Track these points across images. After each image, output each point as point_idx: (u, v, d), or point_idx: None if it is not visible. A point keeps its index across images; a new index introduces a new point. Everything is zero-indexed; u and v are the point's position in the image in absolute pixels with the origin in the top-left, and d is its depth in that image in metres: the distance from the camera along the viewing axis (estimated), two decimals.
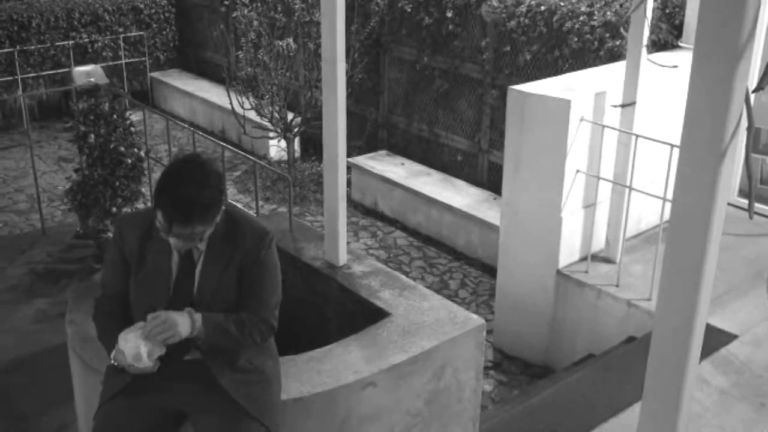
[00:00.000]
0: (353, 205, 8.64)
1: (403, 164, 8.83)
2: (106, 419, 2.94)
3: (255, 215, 5.63)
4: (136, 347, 2.79)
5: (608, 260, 5.82)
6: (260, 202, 7.65)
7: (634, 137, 5.39)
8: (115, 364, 2.88)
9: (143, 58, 11.94)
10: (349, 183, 8.61)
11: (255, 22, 8.91)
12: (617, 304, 5.46)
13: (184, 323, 2.78)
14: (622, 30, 6.60)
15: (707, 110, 2.11)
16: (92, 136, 6.27)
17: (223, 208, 2.87)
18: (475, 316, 3.84)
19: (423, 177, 8.49)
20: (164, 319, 2.76)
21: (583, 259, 5.79)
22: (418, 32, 8.65)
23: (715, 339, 4.72)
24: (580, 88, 5.63)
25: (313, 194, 8.81)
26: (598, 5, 7.06)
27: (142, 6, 11.82)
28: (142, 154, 6.59)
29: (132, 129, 6.53)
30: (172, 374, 2.92)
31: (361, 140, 9.48)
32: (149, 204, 6.66)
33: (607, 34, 6.83)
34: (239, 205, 7.50)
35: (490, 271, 7.05)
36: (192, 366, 2.88)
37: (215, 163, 2.93)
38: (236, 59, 9.44)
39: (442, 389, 3.66)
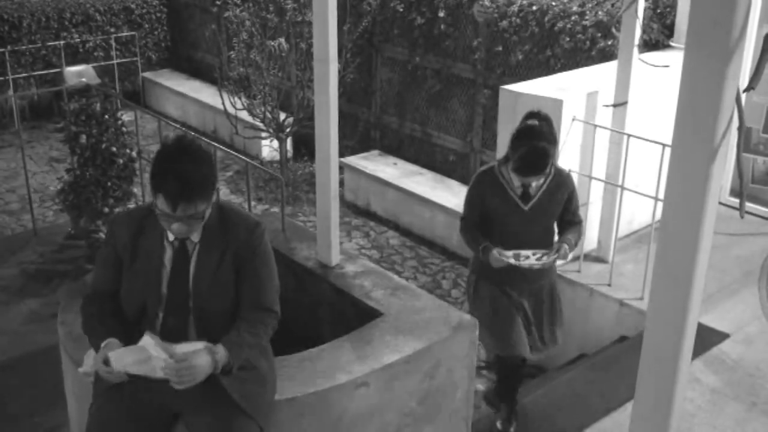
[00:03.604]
0: (346, 205, 8.64)
1: (395, 164, 8.84)
2: (100, 415, 2.94)
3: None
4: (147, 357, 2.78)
5: (600, 260, 5.83)
6: (252, 203, 7.64)
7: (625, 137, 5.40)
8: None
9: (135, 58, 11.91)
10: (341, 183, 8.60)
11: (247, 22, 8.90)
12: (609, 304, 5.47)
13: (203, 367, 2.77)
14: (613, 30, 6.62)
15: (699, 109, 2.11)
16: (84, 136, 6.26)
17: (217, 187, 2.91)
18: (467, 316, 3.84)
19: (415, 177, 8.49)
20: (189, 366, 2.74)
21: (576, 258, 5.79)
22: (410, 32, 8.66)
23: (707, 338, 4.73)
24: (572, 88, 5.63)
25: (306, 194, 8.81)
26: (590, 5, 7.07)
27: (133, 6, 11.79)
28: (134, 154, 6.58)
29: (123, 129, 6.52)
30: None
31: (354, 140, 9.48)
32: (141, 204, 6.64)
33: (599, 34, 6.84)
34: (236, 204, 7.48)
35: None
36: None
37: (201, 142, 2.98)
38: (228, 59, 9.43)
39: (434, 389, 3.67)
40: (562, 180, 4.04)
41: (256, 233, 3.00)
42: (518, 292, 4.12)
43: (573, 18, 7.05)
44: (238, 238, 2.96)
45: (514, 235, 3.97)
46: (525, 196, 3.95)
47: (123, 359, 2.79)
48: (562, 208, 4.06)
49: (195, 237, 2.93)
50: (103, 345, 2.86)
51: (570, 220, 4.10)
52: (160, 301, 2.94)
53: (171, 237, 2.93)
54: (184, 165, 2.74)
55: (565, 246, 3.96)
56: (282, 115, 9.03)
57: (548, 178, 3.95)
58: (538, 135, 3.80)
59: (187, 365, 2.74)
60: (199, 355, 2.77)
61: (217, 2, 10.66)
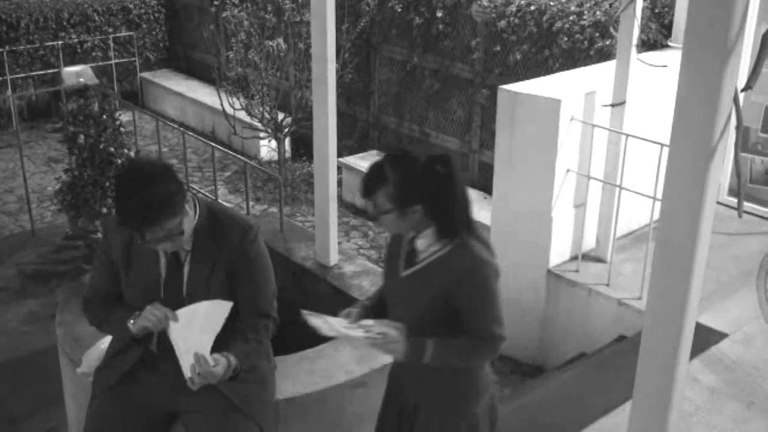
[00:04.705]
0: (344, 205, 8.64)
1: None
2: (98, 415, 2.94)
3: (243, 212, 5.62)
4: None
5: (599, 259, 5.83)
6: (251, 203, 7.64)
7: (624, 136, 5.41)
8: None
9: (133, 59, 11.91)
10: (339, 183, 8.59)
11: (245, 22, 8.89)
12: (608, 303, 5.47)
13: (223, 371, 2.80)
14: (611, 29, 6.62)
15: (696, 109, 2.11)
16: (82, 136, 6.25)
17: (190, 199, 2.86)
18: None
19: None
20: (211, 372, 2.75)
21: (574, 258, 5.80)
22: (409, 32, 8.65)
23: (705, 338, 4.73)
24: (570, 88, 5.64)
25: (304, 194, 8.80)
26: (588, 5, 7.07)
27: (131, 6, 11.79)
28: (132, 154, 6.57)
29: (122, 129, 6.50)
30: (164, 373, 2.91)
31: (352, 140, 9.48)
32: None
33: (597, 34, 6.84)
34: (230, 206, 7.48)
35: None
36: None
37: (158, 160, 2.93)
38: (226, 59, 9.43)
39: None
40: (462, 262, 2.62)
41: (249, 237, 2.94)
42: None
43: (571, 18, 7.05)
44: (231, 244, 2.91)
45: (390, 315, 2.76)
46: (410, 258, 2.74)
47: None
48: (446, 304, 2.64)
49: (187, 245, 2.90)
50: (132, 320, 2.86)
51: (471, 329, 2.66)
52: None
53: None
54: (138, 192, 2.67)
55: (393, 333, 2.61)
56: (280, 115, 9.03)
57: (443, 246, 2.65)
58: (394, 157, 2.67)
59: (210, 371, 2.74)
60: (220, 365, 2.79)
61: (216, 2, 10.65)
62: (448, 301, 2.63)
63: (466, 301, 2.63)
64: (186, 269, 2.92)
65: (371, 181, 2.64)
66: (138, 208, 2.65)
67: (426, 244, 2.69)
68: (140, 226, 2.69)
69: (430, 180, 2.60)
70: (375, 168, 2.65)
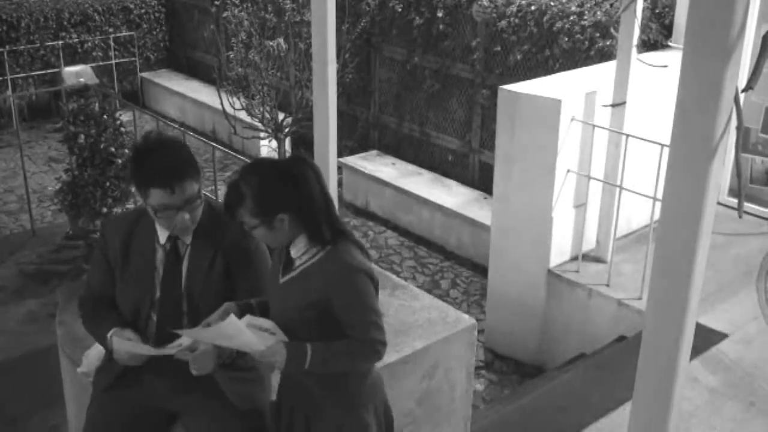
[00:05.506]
0: (344, 205, 8.64)
1: (394, 164, 8.83)
2: (98, 416, 2.94)
3: None
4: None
5: (599, 260, 5.83)
6: None
7: (624, 137, 5.41)
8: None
9: (133, 59, 11.91)
10: (340, 183, 8.60)
11: (245, 22, 8.89)
12: (608, 304, 5.47)
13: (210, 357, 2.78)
14: (612, 30, 6.62)
15: (697, 110, 2.11)
16: (82, 136, 6.26)
17: (202, 197, 2.87)
18: (466, 316, 3.84)
19: (414, 177, 8.49)
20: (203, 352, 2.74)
21: (574, 258, 5.80)
22: (409, 32, 8.66)
23: (706, 338, 4.73)
24: (570, 88, 5.64)
25: None
26: (588, 5, 7.07)
27: (132, 6, 11.79)
28: None
29: (122, 129, 6.52)
30: (164, 374, 2.91)
31: (352, 140, 9.47)
32: (132, 208, 6.64)
33: (598, 34, 6.84)
34: None
35: (482, 270, 7.06)
36: (184, 365, 2.86)
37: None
38: (227, 59, 9.42)
39: (433, 389, 3.67)
40: (332, 267, 2.62)
41: (248, 233, 2.94)
42: None
43: (572, 18, 7.05)
44: (230, 238, 2.91)
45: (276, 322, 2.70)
46: (286, 266, 2.72)
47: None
48: (323, 311, 2.60)
49: (186, 239, 2.91)
50: (109, 334, 2.86)
51: (350, 334, 2.60)
52: (152, 304, 2.93)
53: (162, 239, 2.90)
54: (162, 151, 2.76)
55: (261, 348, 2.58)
56: (280, 115, 9.02)
57: (316, 253, 2.65)
58: (246, 170, 2.66)
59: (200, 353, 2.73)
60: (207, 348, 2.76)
61: (216, 2, 10.65)
62: (325, 308, 2.60)
63: (340, 306, 2.59)
64: (185, 263, 2.91)
65: (230, 202, 2.61)
66: (168, 161, 2.72)
67: (299, 251, 2.67)
68: (170, 179, 2.71)
69: (288, 186, 2.58)
70: (231, 187, 2.62)
